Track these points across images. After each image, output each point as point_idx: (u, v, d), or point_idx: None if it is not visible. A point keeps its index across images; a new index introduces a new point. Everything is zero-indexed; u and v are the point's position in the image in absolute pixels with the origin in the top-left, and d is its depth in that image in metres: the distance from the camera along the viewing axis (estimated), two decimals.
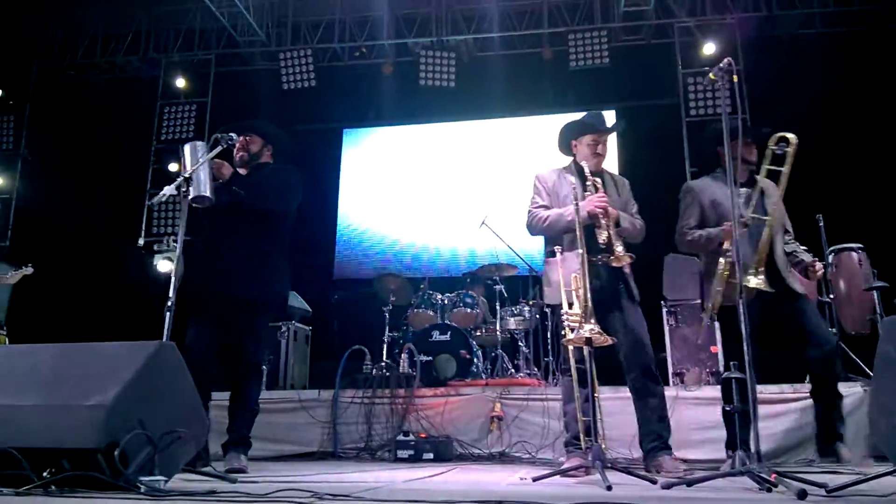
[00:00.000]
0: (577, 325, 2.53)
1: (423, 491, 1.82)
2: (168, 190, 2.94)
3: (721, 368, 5.12)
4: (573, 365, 2.66)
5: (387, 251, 8.61)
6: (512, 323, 5.55)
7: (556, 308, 3.11)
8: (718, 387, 4.81)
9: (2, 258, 5.48)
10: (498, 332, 5.45)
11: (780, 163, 3.12)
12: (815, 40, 8.03)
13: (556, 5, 8.74)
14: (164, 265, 8.63)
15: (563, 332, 2.68)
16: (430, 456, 4.22)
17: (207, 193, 3.05)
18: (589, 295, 2.49)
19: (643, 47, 8.70)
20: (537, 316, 5.54)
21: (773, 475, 1.98)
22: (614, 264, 2.97)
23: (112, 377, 1.87)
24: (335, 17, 9.01)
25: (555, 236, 3.27)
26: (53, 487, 1.76)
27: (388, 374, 4.96)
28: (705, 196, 3.63)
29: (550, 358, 5.26)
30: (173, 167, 8.86)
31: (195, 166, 2.98)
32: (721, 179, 3.62)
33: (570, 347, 2.67)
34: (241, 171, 3.49)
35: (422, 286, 5.86)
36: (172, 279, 2.77)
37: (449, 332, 5.36)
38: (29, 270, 5.24)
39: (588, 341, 2.45)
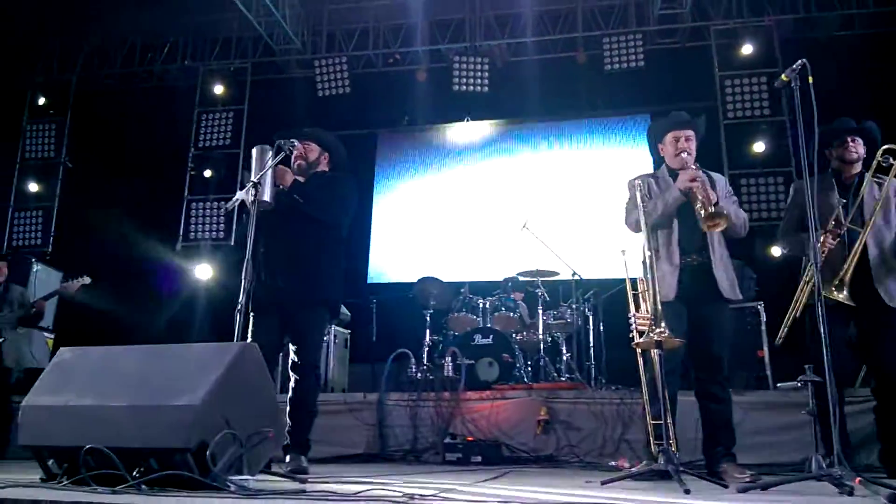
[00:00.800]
0: (646, 327, 2.52)
1: (505, 494, 1.83)
2: (241, 195, 2.99)
3: (769, 373, 5.07)
4: (657, 368, 2.60)
5: (423, 255, 8.62)
6: (554, 327, 5.54)
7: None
8: (766, 391, 4.77)
9: (44, 264, 5.58)
10: (540, 336, 5.44)
11: (885, 173, 3.12)
12: (855, 42, 7.92)
13: (590, 9, 8.73)
14: (201, 271, 8.75)
15: (630, 335, 2.67)
16: (479, 459, 4.22)
17: (268, 199, 3.10)
18: (658, 297, 2.48)
19: (678, 50, 8.65)
20: (579, 320, 5.53)
21: (858, 480, 1.96)
22: (709, 226, 2.92)
23: (199, 378, 1.91)
24: (369, 24, 9.08)
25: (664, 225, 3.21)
26: (144, 486, 1.80)
27: (432, 377, 4.97)
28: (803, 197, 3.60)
29: (592, 362, 5.23)
30: (208, 173, 9.01)
31: (262, 172, 3.03)
32: (825, 182, 3.53)
33: (639, 351, 2.65)
34: (299, 178, 3.53)
35: (462, 290, 5.87)
36: (243, 282, 2.80)
37: (491, 336, 5.37)
38: (87, 280, 5.33)
39: (658, 345, 2.44)
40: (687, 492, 2.10)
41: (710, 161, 8.03)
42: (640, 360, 2.66)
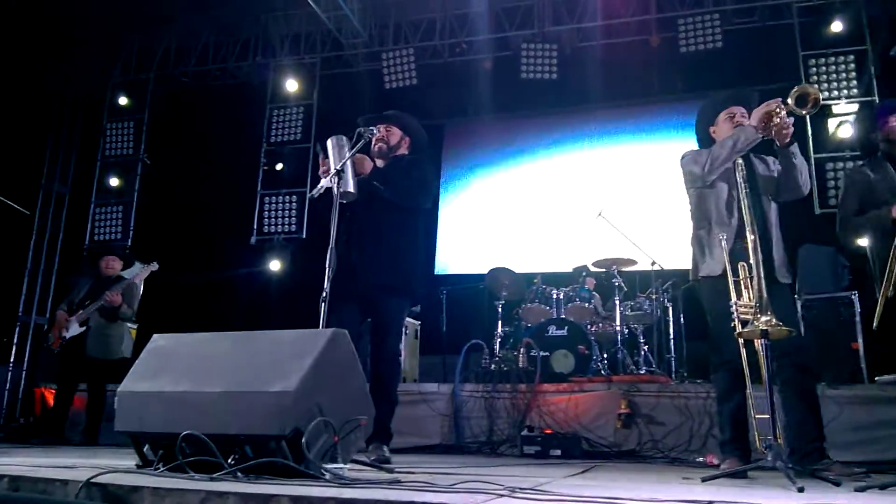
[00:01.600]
0: (750, 316, 2.37)
1: (605, 494, 1.73)
2: (325, 183, 2.97)
3: (864, 366, 4.78)
4: (763, 359, 2.44)
5: (492, 247, 8.54)
6: (631, 318, 5.37)
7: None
8: (863, 385, 4.49)
9: (125, 257, 5.77)
10: (617, 328, 5.28)
11: None
12: None
13: None
14: (275, 263, 8.92)
15: (732, 325, 2.52)
16: (558, 453, 4.12)
17: (352, 189, 3.08)
18: (763, 283, 2.33)
19: (758, 30, 8.26)
20: (658, 311, 5.34)
21: None
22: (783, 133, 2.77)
23: (293, 364, 1.88)
24: (435, 14, 9.02)
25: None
26: (240, 474, 1.78)
27: (506, 368, 4.89)
28: (860, 181, 3.41)
29: (672, 354, 5.04)
30: (280, 166, 9.16)
31: (343, 160, 3.00)
32: (875, 164, 3.39)
33: (741, 341, 2.50)
34: (379, 161, 3.50)
35: (535, 280, 5.76)
36: (327, 271, 2.79)
37: (566, 327, 5.24)
38: (154, 267, 5.49)
39: (764, 334, 2.29)
40: (801, 490, 1.96)
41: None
42: (743, 351, 2.51)
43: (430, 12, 9.05)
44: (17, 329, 8.84)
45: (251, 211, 9.09)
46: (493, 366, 5.08)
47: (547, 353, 5.17)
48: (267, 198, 9.10)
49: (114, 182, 9.35)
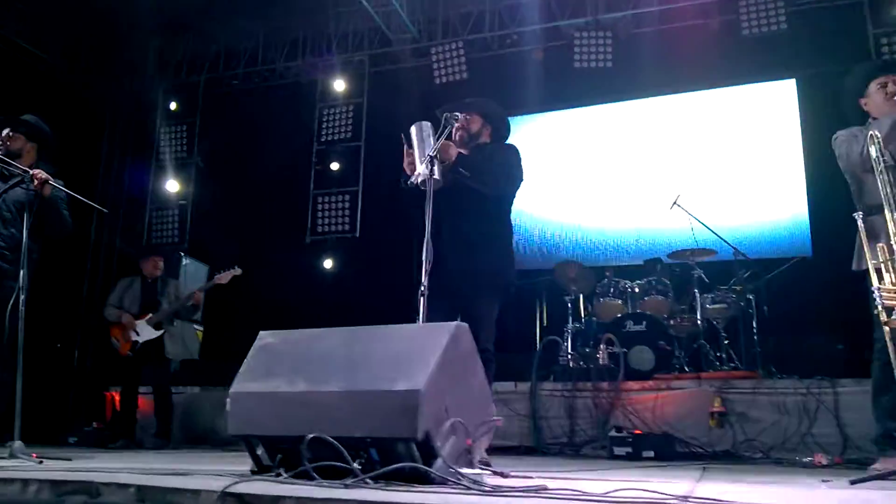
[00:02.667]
0: (894, 303, 2.14)
1: (760, 493, 1.55)
2: (422, 169, 2.82)
3: None
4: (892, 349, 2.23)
5: (556, 239, 8.31)
6: (711, 311, 5.11)
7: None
8: None
9: (170, 257, 5.74)
10: (698, 321, 5.03)
11: None
12: None
13: None
14: (329, 263, 8.85)
15: (875, 312, 2.29)
16: (651, 454, 3.90)
17: (437, 176, 2.93)
18: None
19: (825, 9, 7.89)
20: (741, 303, 5.07)
21: None
22: None
23: (417, 361, 1.73)
24: (485, 6, 8.84)
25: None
26: (369, 480, 1.64)
27: (586, 366, 4.69)
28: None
29: (758, 349, 4.79)
30: (335, 166, 9.10)
31: (435, 146, 2.86)
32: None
33: (887, 329, 2.27)
34: (461, 150, 3.34)
35: (607, 273, 5.54)
36: (424, 264, 2.63)
37: (644, 322, 5.01)
38: (238, 271, 5.42)
39: None
40: None
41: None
42: (890, 342, 2.27)
43: (479, 4, 8.88)
44: (79, 333, 8.92)
45: (305, 211, 9.04)
46: (571, 363, 4.88)
47: (625, 350, 4.94)
48: (320, 197, 9.04)
49: (169, 186, 9.39)
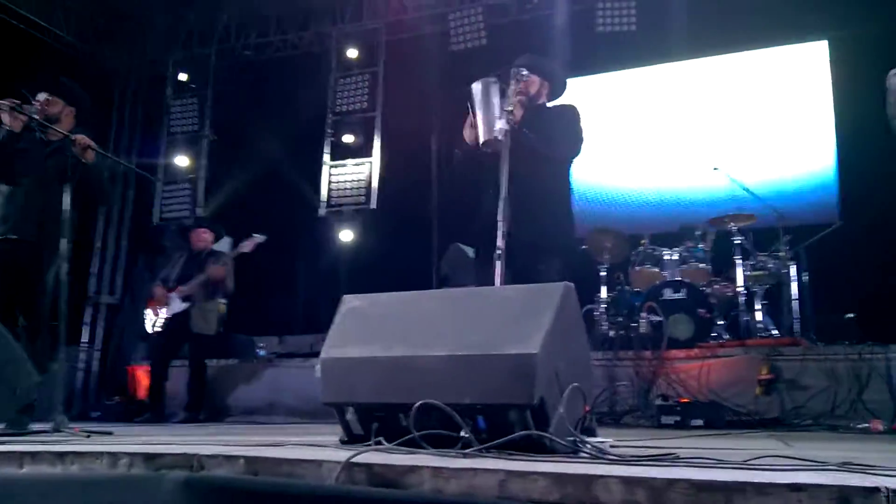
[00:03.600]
0: None
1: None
2: (501, 126, 2.70)
3: None
4: None
5: (585, 205, 8.17)
6: (752, 278, 5.02)
7: None
8: None
9: (215, 229, 5.60)
10: (738, 288, 4.94)
11: None
12: None
13: None
14: (346, 234, 8.74)
15: None
16: (700, 422, 3.83)
17: (499, 137, 2.81)
18: None
19: None
20: (783, 270, 4.98)
21: None
22: None
23: (528, 323, 1.63)
24: None
25: None
26: (486, 449, 1.54)
27: (626, 334, 4.61)
28: None
29: (797, 316, 4.70)
30: (348, 139, 8.94)
31: (507, 102, 2.73)
32: None
33: None
34: (519, 112, 3.20)
35: (642, 241, 5.43)
36: (499, 224, 2.52)
37: (684, 290, 4.91)
38: (261, 238, 5.30)
39: None
40: None
41: None
42: None
43: None
44: (91, 309, 8.82)
45: (319, 182, 8.90)
46: (611, 332, 4.80)
47: (662, 318, 4.85)
48: (335, 168, 8.89)
49: (180, 160, 9.22)
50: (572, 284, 1.80)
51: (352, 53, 8.94)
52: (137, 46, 9.66)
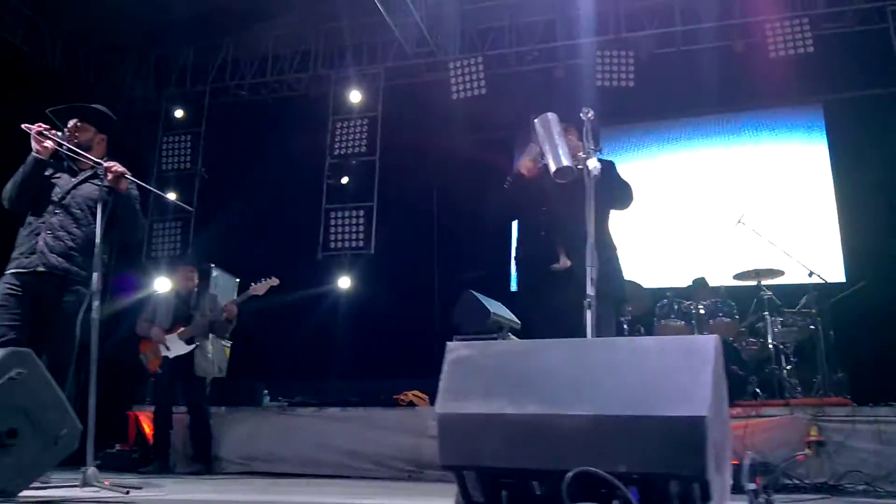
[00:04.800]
0: None
1: None
2: (566, 160, 2.55)
3: None
4: None
5: None
6: (780, 334, 4.90)
7: None
8: None
9: (200, 268, 5.33)
10: (771, 344, 4.80)
11: None
12: None
13: None
14: (343, 281, 8.48)
15: None
16: (752, 486, 3.61)
17: (572, 163, 2.67)
18: None
19: (849, 34, 7.90)
20: (811, 326, 4.87)
21: None
22: None
23: (685, 380, 1.43)
24: (505, 22, 8.69)
25: None
26: None
27: None
28: None
29: (840, 373, 4.57)
30: (345, 180, 8.79)
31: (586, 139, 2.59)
32: None
33: None
34: None
35: (668, 294, 5.29)
36: (588, 270, 2.33)
37: None
38: (275, 281, 5.03)
39: None
40: None
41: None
42: None
43: (498, 20, 8.72)
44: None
45: (316, 226, 8.69)
46: None
47: None
48: (332, 212, 8.71)
49: (171, 196, 8.92)
50: (717, 336, 1.61)
51: (354, 97, 8.85)
52: (129, 82, 9.45)
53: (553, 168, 2.70)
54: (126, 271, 8.42)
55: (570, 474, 1.38)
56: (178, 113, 9.20)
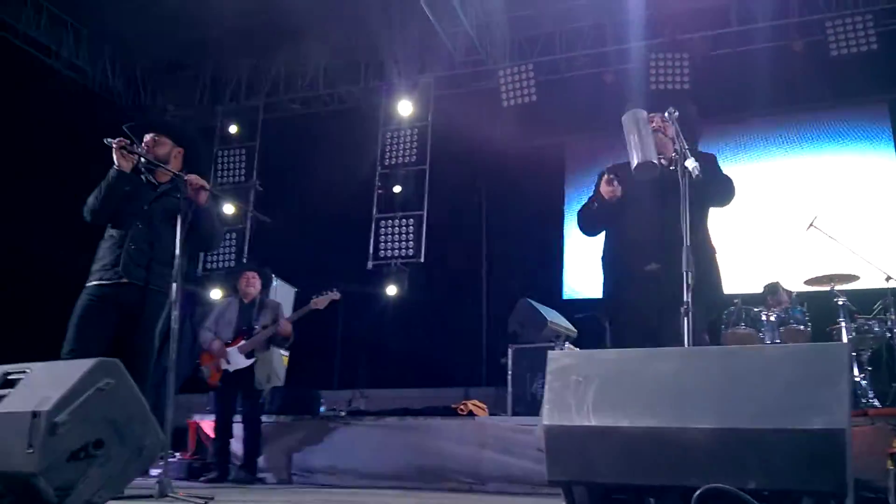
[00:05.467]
0: None
1: None
2: (649, 156, 2.48)
3: None
4: None
5: None
6: (856, 341, 4.70)
7: None
8: None
9: (263, 275, 5.34)
10: None
11: None
12: None
13: None
14: (392, 289, 8.50)
15: None
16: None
17: (655, 160, 2.59)
18: None
19: None
20: (888, 333, 4.67)
21: None
22: None
23: (818, 391, 1.35)
24: (554, 28, 8.62)
25: None
26: None
27: None
28: None
29: None
30: (397, 189, 8.82)
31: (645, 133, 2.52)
32: None
33: None
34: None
35: (735, 301, 5.13)
36: (685, 276, 2.25)
37: None
38: (337, 295, 5.04)
39: None
40: None
41: None
42: None
43: (547, 27, 8.66)
44: None
45: (366, 235, 8.73)
46: None
47: None
48: (383, 221, 8.74)
49: (226, 209, 9.07)
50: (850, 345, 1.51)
51: (403, 108, 8.88)
52: (185, 98, 9.66)
53: (634, 163, 2.62)
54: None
55: (699, 491, 1.31)
56: (233, 129, 9.37)
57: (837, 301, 4.70)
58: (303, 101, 9.48)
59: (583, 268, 8.39)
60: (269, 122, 9.46)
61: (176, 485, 2.64)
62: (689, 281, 2.30)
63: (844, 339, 4.65)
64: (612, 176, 2.81)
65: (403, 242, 8.62)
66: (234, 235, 9.02)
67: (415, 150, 8.86)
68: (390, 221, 8.74)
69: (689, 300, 2.27)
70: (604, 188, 2.85)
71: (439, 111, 8.87)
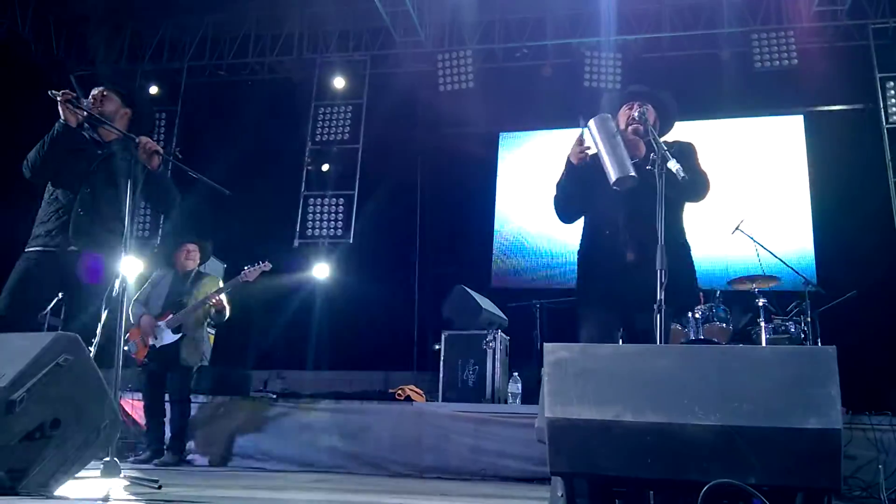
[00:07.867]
0: None
1: None
2: (628, 169, 2.48)
3: None
4: None
5: (550, 260, 8.21)
6: (772, 341, 4.99)
7: None
8: None
9: (203, 248, 5.07)
10: None
11: None
12: None
13: (735, 3, 8.22)
14: (319, 269, 8.31)
15: None
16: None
17: (633, 173, 2.60)
18: None
19: (833, 49, 8.12)
20: (801, 335, 4.98)
21: None
22: None
23: (812, 393, 1.40)
24: (495, 17, 8.63)
25: None
26: None
27: None
28: None
29: None
30: (326, 167, 8.62)
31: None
32: None
33: None
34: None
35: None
36: (659, 273, 2.28)
37: None
38: (268, 267, 4.85)
39: None
40: None
41: (871, 167, 7.57)
42: None
43: (489, 14, 8.66)
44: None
45: (294, 213, 8.49)
46: None
47: None
48: (311, 199, 8.52)
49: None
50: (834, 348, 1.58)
51: (338, 83, 8.67)
52: (101, 56, 9.04)
53: (613, 178, 2.59)
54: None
55: (708, 486, 1.34)
56: (153, 90, 8.86)
57: (758, 302, 4.96)
58: (229, 68, 9.06)
59: (512, 260, 8.53)
60: (192, 86, 9.00)
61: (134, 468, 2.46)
62: (663, 279, 2.33)
63: (763, 338, 4.92)
64: (582, 138, 2.76)
65: (332, 222, 8.46)
66: (148, 206, 8.54)
67: (348, 127, 8.68)
68: (319, 200, 8.54)
69: (662, 298, 2.31)
70: (573, 150, 2.80)
71: (375, 90, 8.71)
